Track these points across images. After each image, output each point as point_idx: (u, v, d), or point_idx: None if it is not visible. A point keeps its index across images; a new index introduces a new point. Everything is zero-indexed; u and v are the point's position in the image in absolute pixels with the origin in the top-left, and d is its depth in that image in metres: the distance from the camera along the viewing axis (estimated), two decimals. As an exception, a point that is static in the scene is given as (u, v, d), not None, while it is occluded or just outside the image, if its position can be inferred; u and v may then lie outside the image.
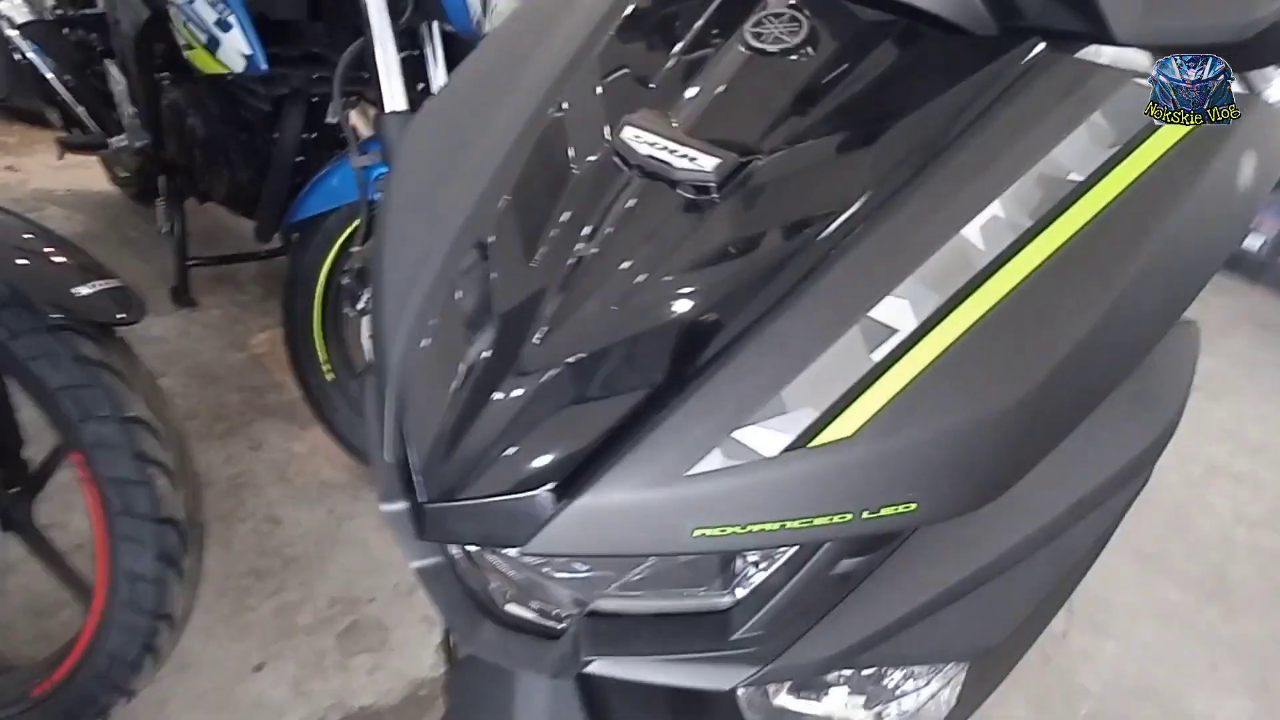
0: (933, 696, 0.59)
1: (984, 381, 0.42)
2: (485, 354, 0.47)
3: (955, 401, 0.42)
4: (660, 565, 0.49)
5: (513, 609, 0.56)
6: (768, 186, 0.47)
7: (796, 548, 0.47)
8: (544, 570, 0.51)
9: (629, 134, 0.49)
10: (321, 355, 1.82)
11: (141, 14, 2.02)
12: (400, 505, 0.49)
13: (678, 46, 0.55)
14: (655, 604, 0.50)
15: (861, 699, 0.56)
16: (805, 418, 0.42)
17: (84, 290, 1.07)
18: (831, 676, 0.55)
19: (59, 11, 2.44)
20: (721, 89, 0.51)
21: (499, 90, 0.59)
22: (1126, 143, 0.47)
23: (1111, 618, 1.94)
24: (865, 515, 0.42)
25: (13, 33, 2.39)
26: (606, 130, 0.51)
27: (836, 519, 0.42)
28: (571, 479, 0.43)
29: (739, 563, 0.49)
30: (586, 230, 0.48)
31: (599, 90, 0.54)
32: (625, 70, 0.55)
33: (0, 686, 1.24)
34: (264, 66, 1.64)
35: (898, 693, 0.57)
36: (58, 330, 1.06)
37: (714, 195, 0.47)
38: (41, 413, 1.10)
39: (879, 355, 0.42)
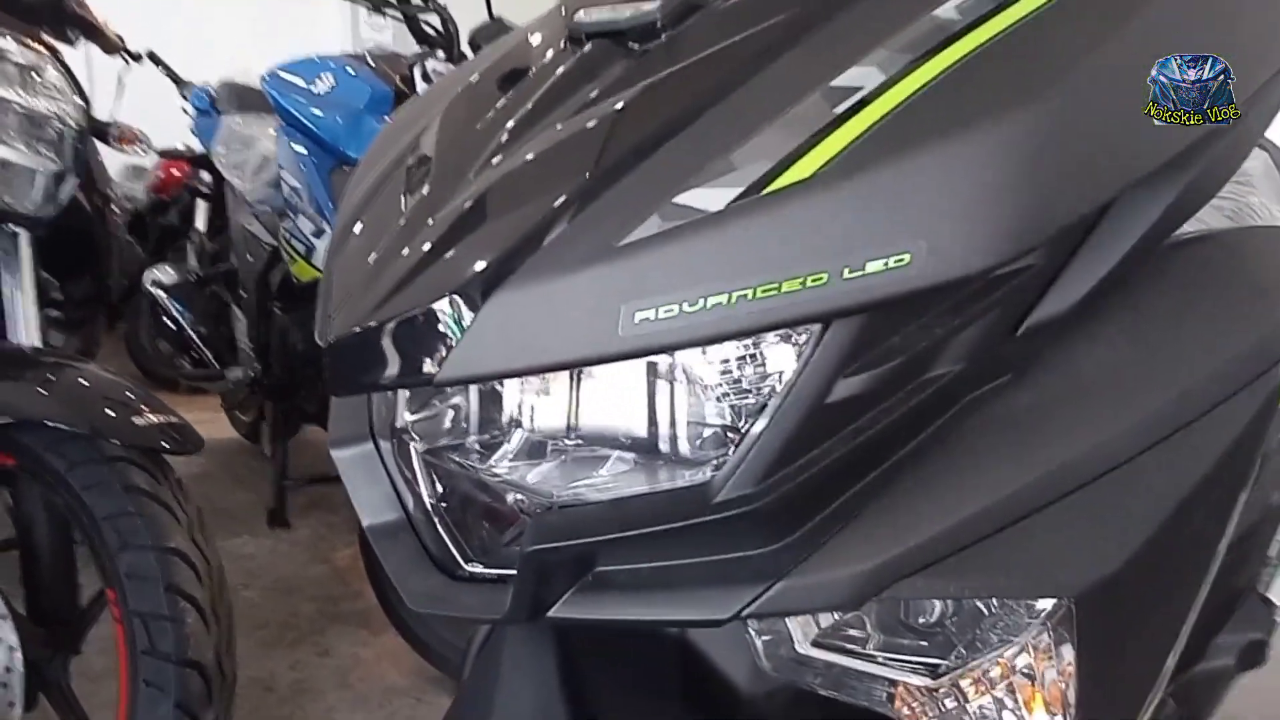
0: (1028, 668, 0.42)
1: (980, 99, 0.35)
2: (414, 206, 0.43)
3: (945, 122, 0.34)
4: (634, 455, 0.39)
5: (472, 568, 0.46)
6: (720, 21, 0.44)
7: (780, 378, 0.36)
8: (497, 471, 0.42)
9: (580, 14, 0.48)
10: (392, 542, 1.78)
11: (263, 254, 2.30)
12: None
13: None
14: (624, 489, 0.39)
15: (924, 654, 0.41)
16: (756, 170, 0.35)
17: (141, 421, 1.09)
18: (877, 618, 0.41)
19: (199, 271, 2.80)
20: None
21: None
22: None
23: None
24: (847, 274, 0.33)
25: (161, 293, 2.74)
26: (564, 23, 0.50)
27: (810, 281, 0.33)
28: (492, 283, 0.36)
29: (719, 418, 0.39)
30: (528, 98, 0.46)
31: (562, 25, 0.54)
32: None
33: None
34: (351, 263, 1.79)
35: (975, 651, 0.41)
36: (114, 461, 1.08)
37: (661, 37, 0.44)
38: (87, 549, 1.08)
39: (842, 108, 0.36)
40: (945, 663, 0.41)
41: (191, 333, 2.75)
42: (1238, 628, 1.19)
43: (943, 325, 0.38)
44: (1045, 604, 0.41)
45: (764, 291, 0.33)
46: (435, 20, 1.83)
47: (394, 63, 2.03)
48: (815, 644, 0.40)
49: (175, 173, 4.06)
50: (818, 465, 0.37)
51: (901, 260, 0.33)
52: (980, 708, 0.42)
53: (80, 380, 1.16)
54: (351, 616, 2.05)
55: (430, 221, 0.41)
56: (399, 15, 1.80)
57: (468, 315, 0.36)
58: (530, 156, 0.41)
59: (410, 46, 1.97)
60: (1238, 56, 0.40)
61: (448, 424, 0.45)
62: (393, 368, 0.37)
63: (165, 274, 2.85)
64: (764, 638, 0.41)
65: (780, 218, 0.34)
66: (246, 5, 5.53)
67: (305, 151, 1.90)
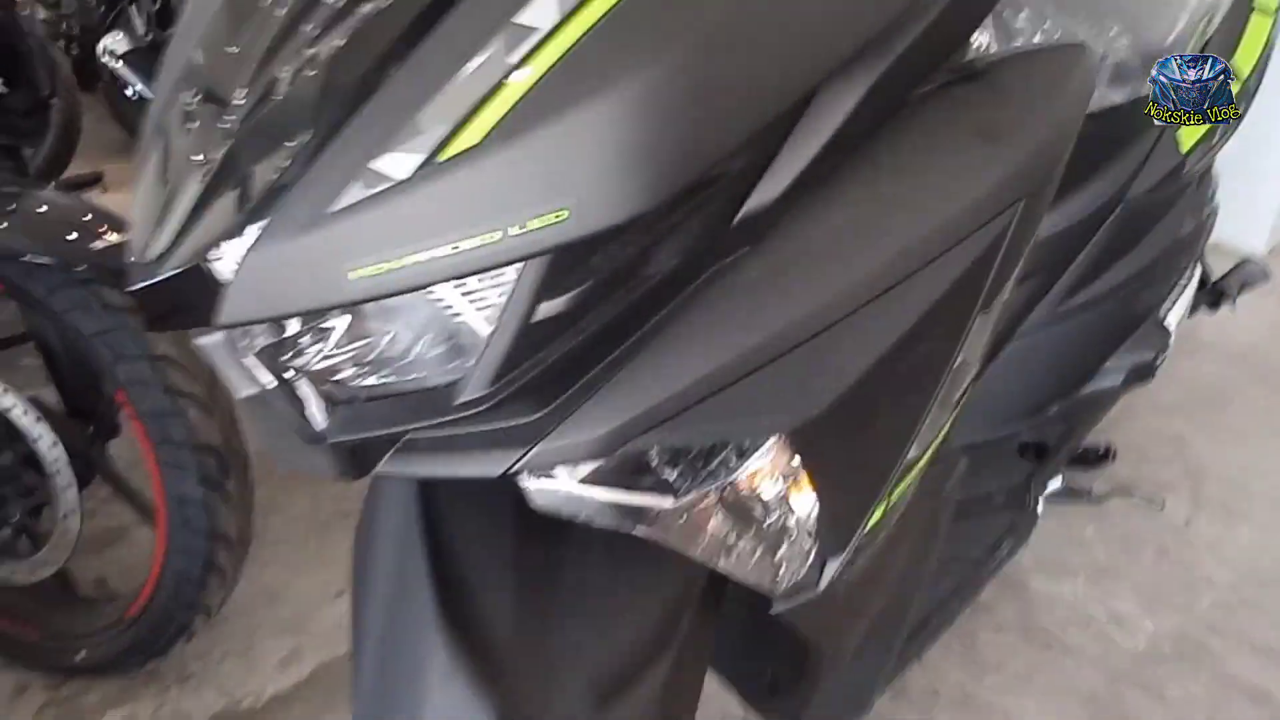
0: (758, 491, 0.53)
1: (623, 54, 0.37)
2: (188, 139, 0.47)
3: (589, 84, 0.37)
4: (390, 344, 0.47)
5: (323, 431, 0.56)
6: None
7: (505, 303, 0.43)
8: (299, 363, 0.50)
9: None
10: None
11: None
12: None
13: None
14: (400, 383, 0.48)
15: (672, 484, 0.52)
16: (437, 134, 0.39)
17: (100, 244, 1.18)
18: (628, 460, 0.51)
19: (148, 36, 2.69)
20: None
21: None
22: None
23: (1250, 504, 1.70)
24: (514, 231, 0.39)
25: (117, 65, 2.66)
26: None
27: (484, 240, 0.39)
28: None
29: (462, 330, 0.46)
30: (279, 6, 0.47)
31: None
32: None
33: (104, 612, 1.40)
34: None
35: (710, 477, 0.52)
36: (87, 283, 1.18)
37: None
38: (89, 357, 1.23)
39: (515, 57, 0.39)
40: (686, 486, 0.52)
41: (162, 104, 2.72)
42: (1131, 350, 1.29)
43: (641, 242, 0.43)
44: (765, 446, 0.51)
45: (450, 250, 0.39)
46: None
47: None
48: (581, 482, 0.51)
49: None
50: (543, 365, 0.45)
51: (560, 216, 0.38)
52: (718, 522, 0.54)
53: (38, 209, 1.23)
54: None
55: (199, 158, 0.45)
56: None
57: (230, 270, 0.42)
58: (274, 99, 0.44)
59: None
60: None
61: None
62: (183, 313, 0.45)
63: (118, 41, 2.75)
64: (538, 482, 0.51)
65: (456, 183, 0.38)
66: None
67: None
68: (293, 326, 0.50)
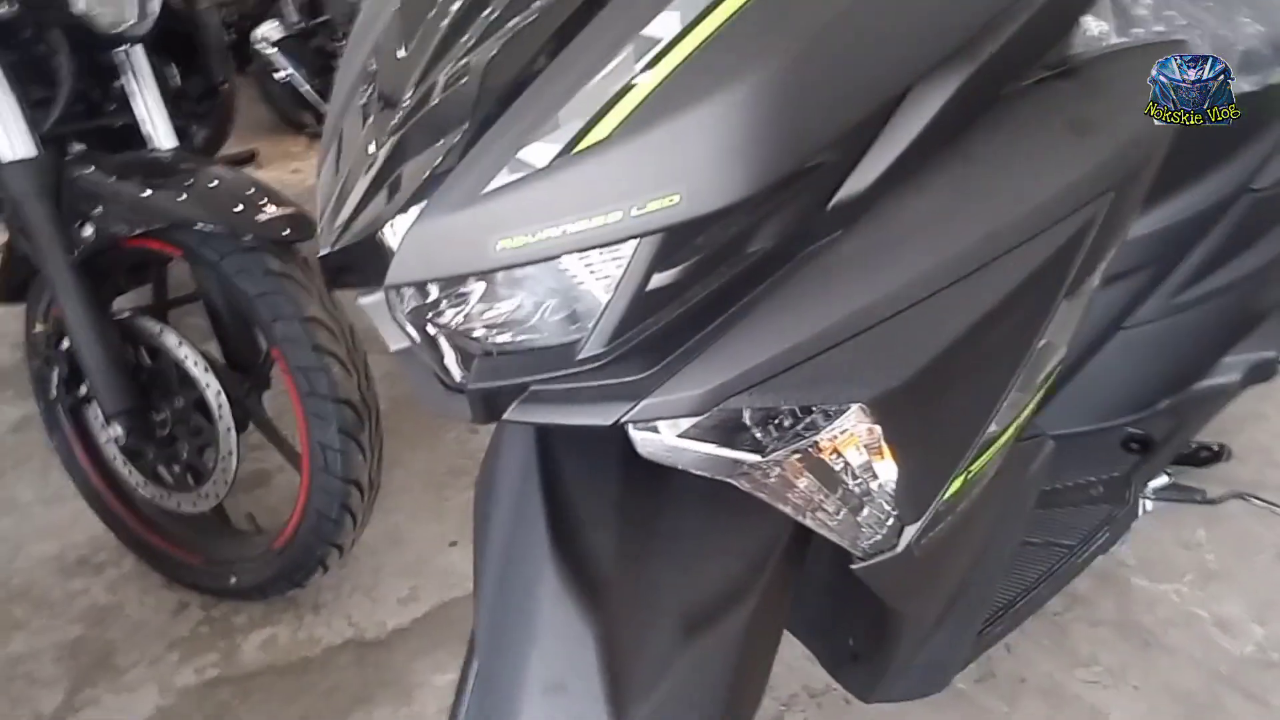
0: (843, 455, 0.59)
1: (732, 61, 0.43)
2: (365, 129, 0.56)
3: (703, 86, 0.43)
4: (518, 308, 0.55)
5: (459, 383, 0.65)
6: None
7: (622, 273, 0.50)
8: (441, 321, 0.59)
9: None
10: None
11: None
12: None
13: None
14: (528, 341, 0.56)
15: (759, 442, 0.57)
16: (572, 128, 0.46)
17: (264, 216, 1.32)
18: (721, 419, 0.57)
19: (300, 24, 2.91)
20: None
21: None
22: None
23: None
24: (634, 212, 0.45)
25: (271, 50, 2.89)
26: None
27: (608, 219, 0.46)
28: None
29: (584, 296, 0.53)
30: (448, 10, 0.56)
31: None
32: None
33: (254, 543, 1.58)
34: None
35: (796, 438, 0.57)
36: (251, 250, 1.33)
37: None
38: (250, 317, 1.39)
39: (642, 64, 0.45)
40: (773, 445, 0.58)
41: (308, 87, 2.94)
42: (1250, 347, 1.26)
43: (743, 223, 0.49)
44: (849, 412, 0.56)
45: (579, 226, 0.46)
46: None
47: None
48: (680, 436, 0.58)
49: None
50: (652, 329, 0.51)
51: (673, 200, 0.44)
52: (806, 481, 0.59)
53: (210, 184, 1.39)
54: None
55: (372, 149, 0.54)
56: None
57: (396, 240, 0.51)
58: (434, 101, 0.52)
59: None
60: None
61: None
62: (358, 274, 0.54)
63: (272, 29, 2.99)
64: (643, 433, 0.58)
65: (586, 171, 0.45)
66: None
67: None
68: (434, 291, 0.59)
